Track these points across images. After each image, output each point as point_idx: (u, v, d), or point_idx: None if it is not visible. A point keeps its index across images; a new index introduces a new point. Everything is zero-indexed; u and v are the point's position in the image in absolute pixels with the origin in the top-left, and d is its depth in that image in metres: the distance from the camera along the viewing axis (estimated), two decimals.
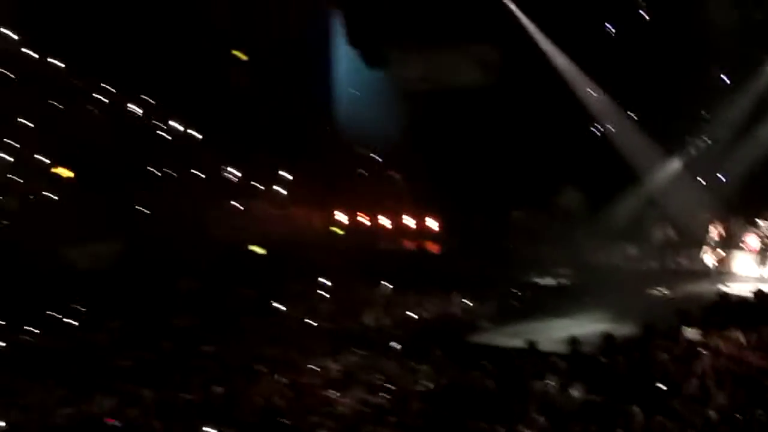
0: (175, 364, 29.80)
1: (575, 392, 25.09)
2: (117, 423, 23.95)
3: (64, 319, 34.52)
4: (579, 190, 42.50)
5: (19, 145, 42.19)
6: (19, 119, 42.53)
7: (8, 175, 40.86)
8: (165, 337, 32.43)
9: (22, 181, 41.00)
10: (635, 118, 44.17)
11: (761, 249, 39.47)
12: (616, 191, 42.21)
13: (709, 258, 39.15)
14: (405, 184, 44.66)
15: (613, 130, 43.67)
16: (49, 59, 45.00)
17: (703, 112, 43.92)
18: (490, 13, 44.21)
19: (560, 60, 43.62)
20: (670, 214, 41.27)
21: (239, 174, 44.27)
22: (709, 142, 43.92)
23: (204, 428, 23.77)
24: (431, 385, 27.01)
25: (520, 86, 43.37)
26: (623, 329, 30.36)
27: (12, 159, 41.66)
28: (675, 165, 43.33)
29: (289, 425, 24.16)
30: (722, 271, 39.15)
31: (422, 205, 43.03)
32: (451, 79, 44.79)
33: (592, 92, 43.80)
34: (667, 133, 43.81)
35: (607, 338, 29.03)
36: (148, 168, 42.97)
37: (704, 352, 27.94)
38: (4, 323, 33.44)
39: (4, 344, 32.09)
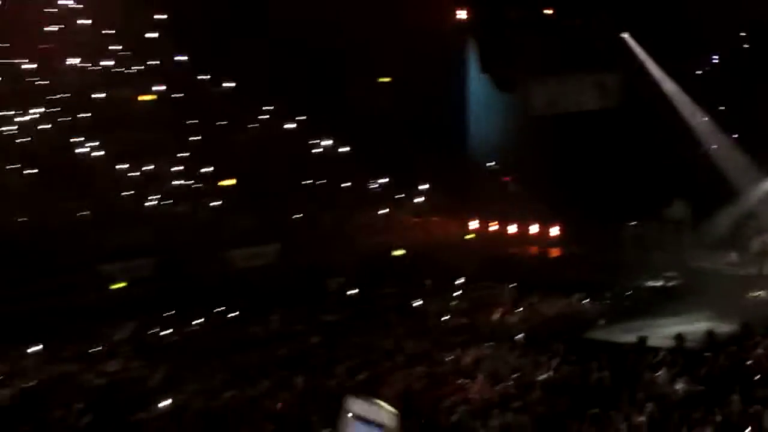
0: (323, 353, 30.42)
1: (680, 383, 25.21)
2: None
3: (229, 313, 34.95)
4: (686, 202, 42.35)
5: (188, 155, 43.25)
6: (191, 136, 43.35)
7: (180, 182, 41.47)
8: (315, 329, 33.00)
9: (192, 189, 41.87)
10: (736, 138, 44.09)
11: None
12: (719, 204, 42.14)
13: None
14: (530, 196, 44.75)
15: (716, 149, 43.60)
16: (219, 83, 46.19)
17: None
18: (609, 43, 44.45)
19: (669, 86, 43.65)
20: (766, 225, 41.15)
21: (383, 185, 44.61)
22: None
23: None
24: (552, 376, 27.13)
25: (634, 110, 43.43)
26: (724, 327, 30.35)
27: (182, 168, 42.48)
28: None
29: (425, 409, 24.78)
30: None
31: (545, 215, 42.96)
32: (573, 102, 44.62)
33: (697, 115, 43.76)
34: (764, 152, 43.67)
35: (709, 335, 29.27)
36: (304, 179, 43.67)
37: None
38: (174, 315, 34.21)
39: (171, 332, 33.12)
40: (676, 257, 40.93)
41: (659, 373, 26.26)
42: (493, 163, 46.84)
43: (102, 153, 41.63)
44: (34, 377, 28.82)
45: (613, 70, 45.12)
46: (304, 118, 45.90)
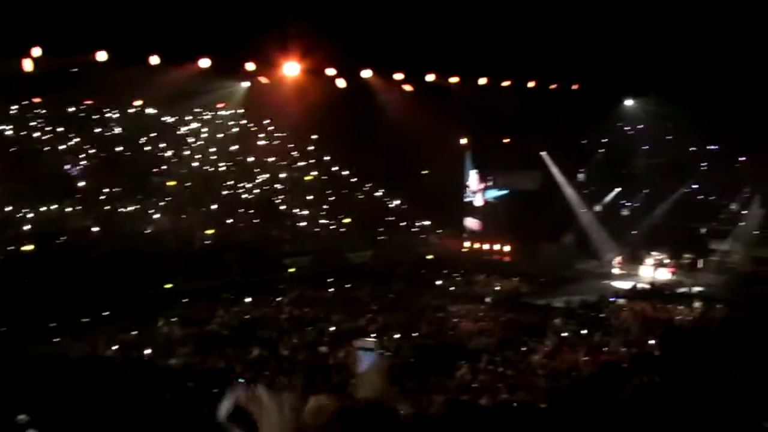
0: (393, 304, 30.00)
1: (569, 326, 26.14)
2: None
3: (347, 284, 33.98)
4: (572, 234, 42.78)
5: (327, 208, 42.96)
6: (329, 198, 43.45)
7: (324, 221, 41.32)
8: (390, 291, 32.47)
9: None
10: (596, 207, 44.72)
11: (653, 266, 39.17)
12: (588, 238, 42.78)
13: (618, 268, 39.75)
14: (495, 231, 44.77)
15: (584, 211, 44.19)
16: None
17: None
18: (534, 156, 44.82)
19: (561, 179, 44.61)
20: (611, 248, 41.36)
21: (422, 224, 43.77)
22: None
23: None
24: (505, 319, 27.52)
25: (549, 188, 43.89)
26: (590, 297, 30.95)
27: (325, 213, 42.18)
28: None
29: (439, 331, 25.32)
30: (631, 273, 39.09)
31: (507, 238, 42.98)
32: (517, 184, 44.88)
33: (574, 195, 44.53)
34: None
35: (583, 301, 30.15)
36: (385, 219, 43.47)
37: (625, 309, 29.01)
38: (317, 284, 33.18)
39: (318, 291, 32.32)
40: (568, 262, 40.63)
41: (557, 320, 26.98)
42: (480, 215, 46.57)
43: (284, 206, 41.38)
44: (249, 313, 28.20)
45: (537, 169, 44.82)
46: (386, 189, 45.34)
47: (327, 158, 46.37)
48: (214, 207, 38.28)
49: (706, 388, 3.53)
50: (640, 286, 35.37)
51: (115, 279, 28.71)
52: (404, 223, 43.31)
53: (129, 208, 35.81)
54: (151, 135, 42.44)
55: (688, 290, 33.94)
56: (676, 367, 3.88)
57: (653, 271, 38.92)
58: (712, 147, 41.95)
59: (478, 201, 46.30)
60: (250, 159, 44.42)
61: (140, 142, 41.77)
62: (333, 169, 46.17)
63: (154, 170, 39.94)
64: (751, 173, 40.09)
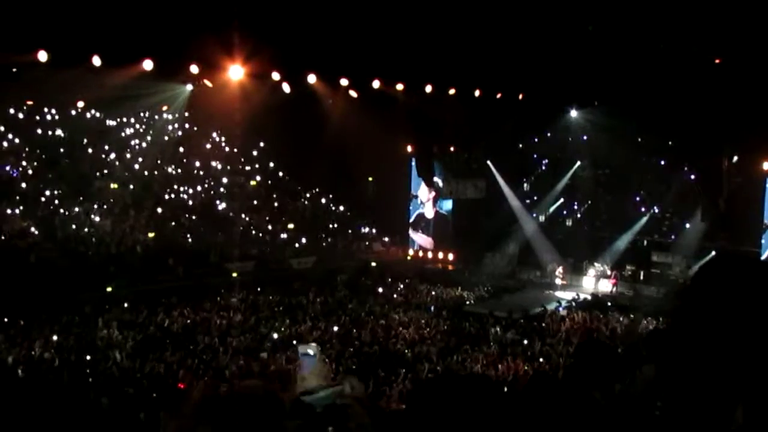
0: (339, 311, 30.12)
1: (509, 334, 26.52)
2: None
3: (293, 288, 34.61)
4: (515, 243, 43.24)
5: (271, 211, 43.00)
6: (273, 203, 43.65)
7: (268, 227, 41.50)
8: (333, 298, 32.78)
9: None
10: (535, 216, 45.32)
11: (595, 277, 39.82)
12: (530, 248, 43.17)
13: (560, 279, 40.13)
14: (440, 239, 45.06)
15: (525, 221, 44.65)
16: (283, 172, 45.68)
17: None
18: (480, 165, 45.61)
19: (507, 189, 45.09)
20: (553, 258, 41.70)
21: (367, 232, 44.16)
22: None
23: None
24: (447, 328, 27.83)
25: (490, 198, 44.60)
26: (533, 308, 31.54)
27: (269, 219, 42.04)
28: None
29: (382, 341, 25.18)
30: (573, 284, 39.79)
31: (451, 247, 43.52)
32: (461, 193, 44.98)
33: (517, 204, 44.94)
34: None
35: (525, 311, 30.72)
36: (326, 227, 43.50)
37: (566, 320, 29.33)
38: (260, 290, 33.42)
39: (259, 296, 32.19)
40: (510, 272, 41.15)
41: (498, 329, 27.32)
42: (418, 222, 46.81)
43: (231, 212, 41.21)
44: (190, 317, 28.09)
45: (482, 179, 45.18)
46: (331, 196, 45.61)
47: (271, 163, 46.52)
48: (156, 210, 38.01)
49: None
50: (582, 296, 35.88)
51: (55, 281, 28.44)
52: (348, 230, 43.46)
53: (70, 211, 35.54)
54: (93, 137, 41.97)
55: (629, 302, 34.46)
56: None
57: (595, 282, 39.51)
58: (655, 159, 42.63)
59: (429, 212, 46.52)
60: (194, 162, 44.38)
61: (82, 144, 41.35)
62: (278, 174, 46.32)
63: (96, 173, 39.54)
64: (692, 186, 40.82)
